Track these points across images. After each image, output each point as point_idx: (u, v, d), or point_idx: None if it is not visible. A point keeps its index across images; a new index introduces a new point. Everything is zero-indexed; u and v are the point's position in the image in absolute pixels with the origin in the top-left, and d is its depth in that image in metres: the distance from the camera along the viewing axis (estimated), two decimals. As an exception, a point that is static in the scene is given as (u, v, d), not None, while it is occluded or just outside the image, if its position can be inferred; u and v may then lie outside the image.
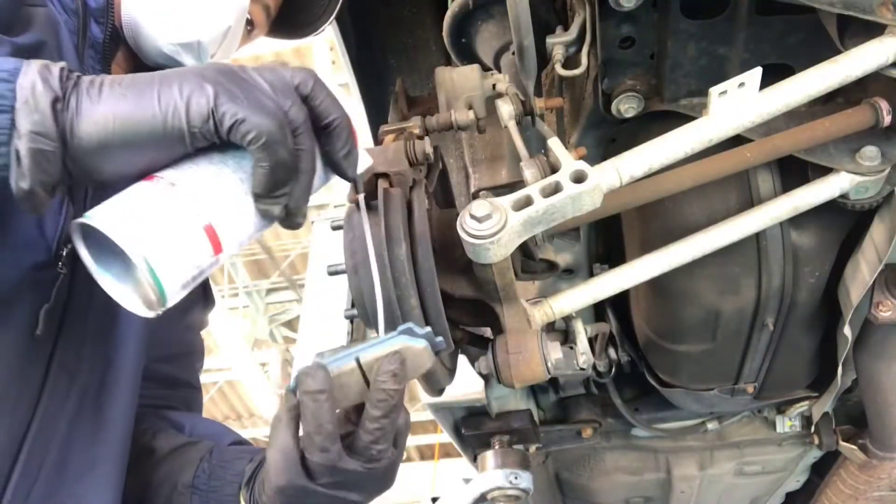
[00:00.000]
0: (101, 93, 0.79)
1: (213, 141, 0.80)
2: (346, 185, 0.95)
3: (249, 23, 1.42)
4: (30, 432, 0.98)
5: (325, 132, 0.87)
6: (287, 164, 0.81)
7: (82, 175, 0.79)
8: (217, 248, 0.82)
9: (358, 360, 0.86)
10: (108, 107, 0.78)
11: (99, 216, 0.77)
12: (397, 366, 0.85)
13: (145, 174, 0.82)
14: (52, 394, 1.01)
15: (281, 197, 0.83)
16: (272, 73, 0.89)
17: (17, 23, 1.02)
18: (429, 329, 0.87)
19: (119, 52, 1.26)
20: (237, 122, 0.78)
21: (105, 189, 0.83)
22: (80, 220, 0.78)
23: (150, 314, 0.82)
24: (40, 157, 0.74)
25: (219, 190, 0.83)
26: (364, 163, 0.92)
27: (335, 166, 0.89)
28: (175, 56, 1.29)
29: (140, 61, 1.31)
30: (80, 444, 1.07)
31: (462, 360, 1.29)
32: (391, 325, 0.91)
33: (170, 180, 0.81)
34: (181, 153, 0.82)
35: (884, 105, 1.08)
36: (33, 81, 0.75)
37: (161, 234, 0.78)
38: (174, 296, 0.80)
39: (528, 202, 0.93)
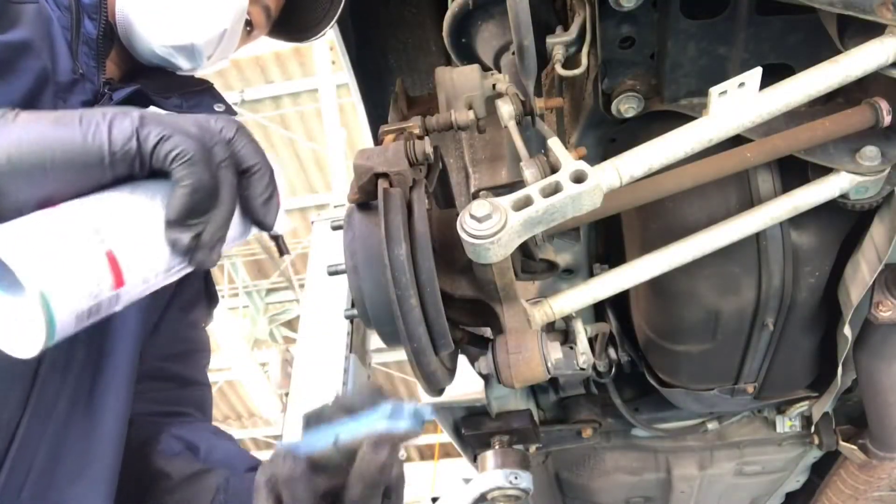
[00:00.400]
0: (17, 117, 0.76)
1: (133, 168, 0.77)
2: (345, 185, 0.94)
3: (249, 23, 1.41)
4: (18, 433, 0.97)
5: (245, 176, 0.85)
6: (208, 188, 0.79)
7: None
8: (119, 280, 0.77)
9: (336, 441, 0.83)
10: (22, 128, 0.75)
11: None
12: (385, 458, 0.82)
13: (53, 203, 0.77)
14: (41, 394, 1.01)
15: (195, 225, 0.80)
16: (197, 116, 0.86)
17: (3, 20, 1.01)
18: (414, 406, 0.84)
19: (113, 49, 1.25)
20: (162, 138, 0.76)
21: (8, 217, 0.78)
22: None
23: (34, 350, 0.76)
24: None
25: (128, 219, 0.79)
26: (284, 223, 0.90)
27: (254, 212, 0.87)
28: (169, 58, 1.28)
29: (136, 59, 1.31)
30: (71, 445, 1.07)
31: (462, 360, 1.29)
32: (392, 340, 0.90)
33: (72, 208, 0.77)
34: (98, 180, 0.78)
35: (884, 105, 1.08)
36: None
37: (57, 260, 0.73)
38: (65, 326, 0.75)
39: (528, 202, 0.93)
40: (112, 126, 0.75)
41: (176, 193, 0.78)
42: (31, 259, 0.71)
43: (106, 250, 0.76)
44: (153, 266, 0.81)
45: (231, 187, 0.82)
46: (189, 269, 0.86)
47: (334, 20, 1.56)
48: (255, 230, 0.91)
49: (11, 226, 0.74)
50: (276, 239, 0.95)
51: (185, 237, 0.80)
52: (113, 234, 0.77)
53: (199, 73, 1.39)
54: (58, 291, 0.72)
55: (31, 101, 1.01)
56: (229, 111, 1.39)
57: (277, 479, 0.82)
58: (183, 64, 1.31)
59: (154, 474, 1.22)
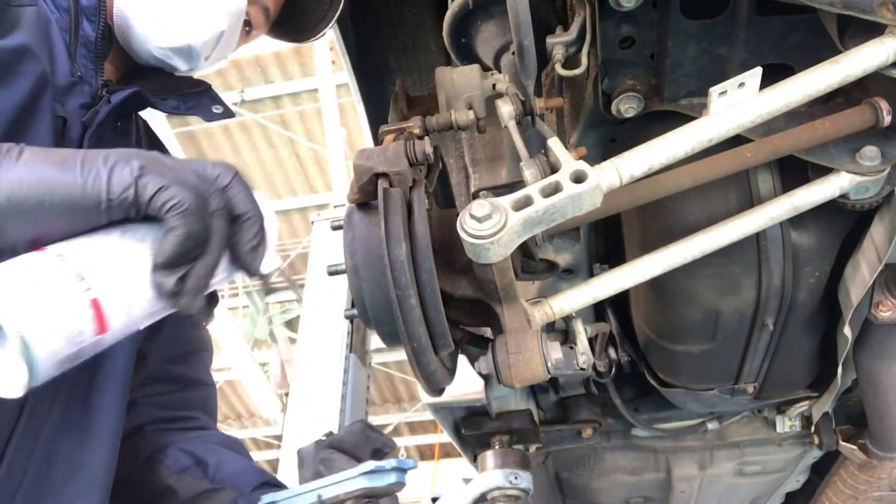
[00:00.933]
0: (21, 155, 0.76)
1: (128, 213, 0.79)
2: (345, 185, 0.95)
3: (248, 23, 1.41)
4: (13, 438, 0.97)
5: (236, 222, 0.87)
6: (199, 236, 0.80)
7: None
8: (102, 326, 0.78)
9: (320, 499, 0.84)
10: (25, 167, 0.75)
11: None
12: None
13: (43, 244, 0.78)
14: (37, 399, 1.00)
15: (180, 269, 0.81)
16: (195, 163, 0.88)
17: (3, 23, 1.01)
18: (395, 462, 0.84)
19: (112, 51, 1.25)
20: (160, 189, 0.77)
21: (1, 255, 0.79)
22: None
23: (18, 392, 0.76)
24: None
25: (116, 264, 0.79)
26: (271, 262, 0.91)
27: (241, 258, 0.89)
28: (166, 59, 1.28)
29: (134, 60, 1.31)
30: (66, 448, 1.06)
31: (462, 360, 1.29)
32: (392, 340, 0.90)
33: (60, 252, 0.77)
34: (92, 223, 0.79)
35: (884, 105, 1.08)
36: None
37: (41, 307, 0.74)
38: (48, 369, 0.76)
39: (528, 202, 0.93)
40: (112, 173, 0.77)
41: (167, 239, 0.80)
42: (14, 305, 0.72)
43: (91, 298, 0.77)
44: (137, 309, 0.82)
45: (221, 237, 0.84)
46: (171, 311, 0.87)
47: (334, 20, 1.56)
48: (240, 273, 0.92)
49: None
50: (262, 277, 0.96)
51: (170, 281, 0.81)
52: (99, 281, 0.78)
53: (197, 74, 1.39)
54: (39, 337, 0.73)
55: (30, 105, 1.01)
56: (227, 113, 1.39)
57: None
58: (180, 65, 1.31)
59: (160, 490, 1.22)
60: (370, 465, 0.84)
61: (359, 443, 0.91)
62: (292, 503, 0.85)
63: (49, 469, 1.03)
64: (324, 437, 0.96)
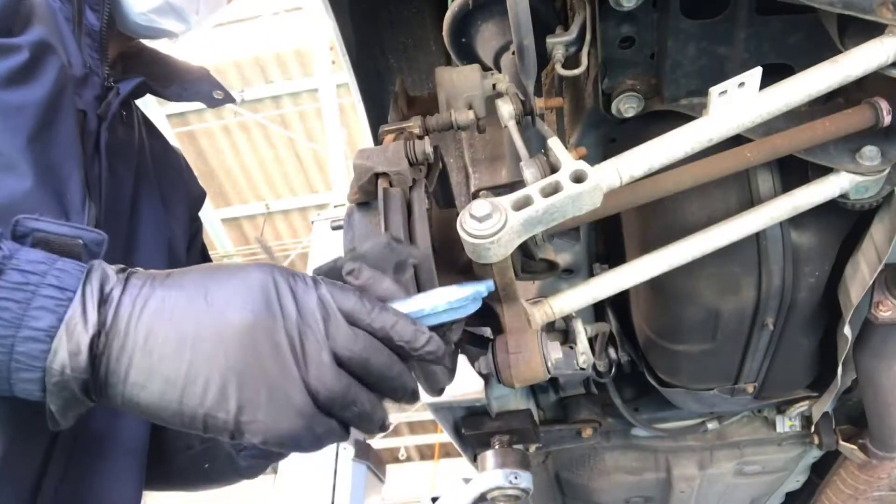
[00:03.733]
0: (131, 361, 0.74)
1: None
2: (345, 185, 0.94)
3: None
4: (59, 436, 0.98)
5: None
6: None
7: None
8: None
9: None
10: (135, 381, 0.74)
11: None
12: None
13: None
14: None
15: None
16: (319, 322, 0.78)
17: (20, 17, 1.01)
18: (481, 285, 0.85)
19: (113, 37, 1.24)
20: (260, 442, 0.75)
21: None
22: None
23: None
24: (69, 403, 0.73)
25: None
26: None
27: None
28: (153, 25, 1.25)
29: (129, 49, 1.30)
30: (103, 426, 1.07)
31: (462, 360, 1.29)
32: None
33: None
34: None
35: (884, 105, 1.08)
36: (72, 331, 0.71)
37: None
38: None
39: (528, 202, 0.93)
40: (207, 420, 0.75)
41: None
42: None
43: None
44: None
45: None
46: None
47: None
48: None
49: None
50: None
51: None
52: None
53: (197, 31, 1.35)
54: None
55: (57, 99, 1.01)
56: (228, 97, 1.38)
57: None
58: (172, 27, 1.27)
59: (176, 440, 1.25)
60: (472, 286, 0.83)
61: (383, 255, 0.88)
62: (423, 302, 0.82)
63: (90, 449, 1.04)
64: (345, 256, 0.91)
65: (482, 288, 0.85)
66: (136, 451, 1.14)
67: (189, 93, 1.33)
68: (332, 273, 0.87)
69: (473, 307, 0.86)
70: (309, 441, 0.77)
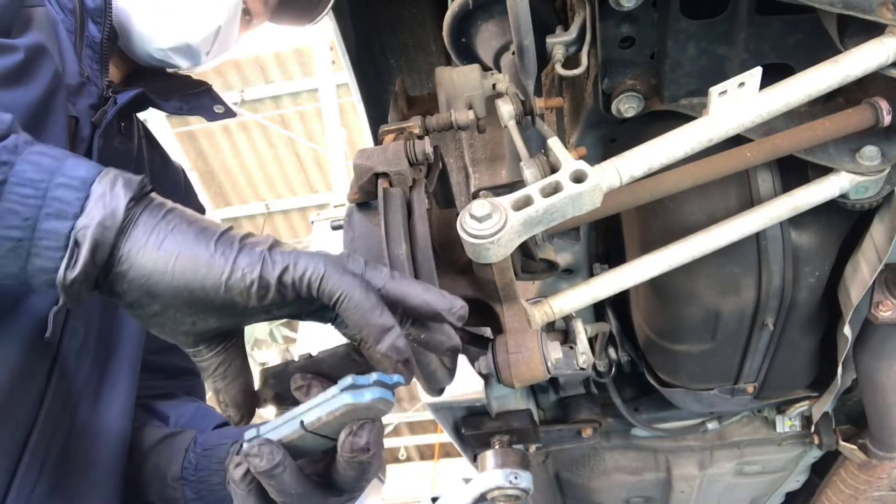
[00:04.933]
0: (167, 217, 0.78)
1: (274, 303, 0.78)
2: (345, 185, 0.94)
3: (247, 12, 1.42)
4: (34, 431, 0.98)
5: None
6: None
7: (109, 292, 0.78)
8: None
9: (303, 424, 0.77)
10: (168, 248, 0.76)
11: None
12: (365, 440, 0.76)
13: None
14: (56, 390, 1.02)
15: None
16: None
17: (18, 23, 1.02)
18: (375, 376, 0.77)
19: (114, 52, 1.25)
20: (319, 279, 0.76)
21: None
22: None
23: None
24: (97, 249, 0.73)
25: None
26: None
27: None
28: (166, 59, 1.30)
29: (134, 61, 1.31)
30: (80, 444, 1.07)
31: (462, 360, 1.29)
32: None
33: None
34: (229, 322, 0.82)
35: (884, 105, 1.08)
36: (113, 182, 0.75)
37: None
38: None
39: (528, 202, 0.93)
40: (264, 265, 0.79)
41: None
42: None
43: None
44: None
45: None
46: None
47: (331, 2, 1.55)
48: None
49: None
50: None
51: None
52: None
53: (201, 68, 1.40)
54: None
55: (47, 103, 1.02)
56: (228, 112, 1.40)
57: (258, 470, 0.77)
58: (182, 63, 1.33)
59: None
60: (349, 379, 0.76)
61: (341, 365, 0.85)
62: (276, 433, 0.79)
63: (66, 460, 1.04)
64: (298, 360, 0.88)
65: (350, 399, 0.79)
66: (116, 471, 1.14)
67: (189, 106, 1.35)
68: (281, 377, 0.87)
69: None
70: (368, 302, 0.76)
